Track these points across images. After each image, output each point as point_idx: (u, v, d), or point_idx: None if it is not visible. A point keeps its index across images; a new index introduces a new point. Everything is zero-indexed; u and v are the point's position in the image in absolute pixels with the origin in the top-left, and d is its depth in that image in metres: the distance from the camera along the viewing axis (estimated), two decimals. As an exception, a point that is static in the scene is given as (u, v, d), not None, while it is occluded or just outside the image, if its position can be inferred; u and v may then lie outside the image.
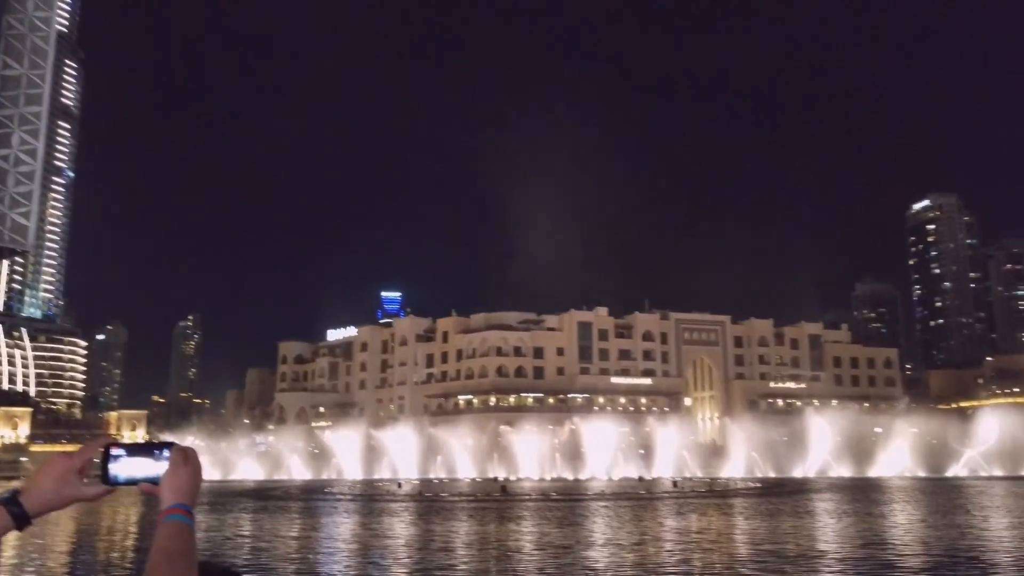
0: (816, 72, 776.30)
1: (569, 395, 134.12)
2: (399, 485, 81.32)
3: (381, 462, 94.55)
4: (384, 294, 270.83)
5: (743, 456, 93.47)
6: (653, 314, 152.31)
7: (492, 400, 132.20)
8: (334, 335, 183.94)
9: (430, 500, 68.24)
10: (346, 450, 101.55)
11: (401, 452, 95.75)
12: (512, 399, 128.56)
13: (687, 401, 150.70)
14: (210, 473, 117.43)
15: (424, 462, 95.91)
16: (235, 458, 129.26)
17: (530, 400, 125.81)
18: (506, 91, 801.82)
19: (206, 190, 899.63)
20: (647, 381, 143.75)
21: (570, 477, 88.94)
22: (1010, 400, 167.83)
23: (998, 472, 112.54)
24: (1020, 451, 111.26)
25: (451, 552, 35.09)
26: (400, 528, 47.45)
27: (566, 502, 64.92)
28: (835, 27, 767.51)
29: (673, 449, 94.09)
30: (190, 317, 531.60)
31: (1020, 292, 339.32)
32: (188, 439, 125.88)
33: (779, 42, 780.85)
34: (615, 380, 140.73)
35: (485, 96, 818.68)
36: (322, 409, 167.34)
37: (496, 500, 67.56)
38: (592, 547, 36.73)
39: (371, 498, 71.77)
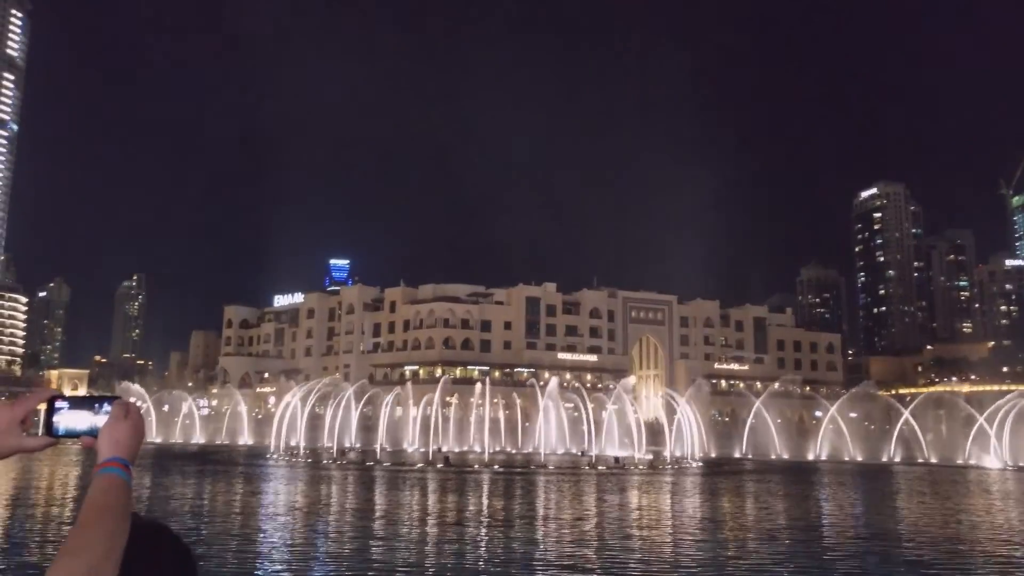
0: (768, 60, 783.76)
1: (515, 369, 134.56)
2: (342, 453, 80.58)
3: (324, 430, 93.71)
4: (332, 262, 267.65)
5: (686, 435, 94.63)
6: (601, 291, 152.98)
7: (438, 371, 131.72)
8: (281, 301, 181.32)
9: (372, 469, 67.70)
10: (290, 416, 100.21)
11: (345, 420, 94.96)
12: (459, 371, 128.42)
13: (632, 379, 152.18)
14: (152, 434, 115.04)
15: (368, 431, 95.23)
16: (178, 420, 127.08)
17: (476, 373, 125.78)
18: (460, 62, 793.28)
19: (154, 148, 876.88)
20: (593, 358, 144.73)
21: (514, 450, 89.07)
22: (947, 388, 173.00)
23: (933, 459, 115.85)
24: (954, 440, 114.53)
25: (388, 521, 34.63)
26: (341, 496, 46.91)
27: (509, 475, 64.99)
28: (788, 14, 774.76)
29: (617, 426, 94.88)
30: (134, 277, 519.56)
31: (961, 283, 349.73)
32: (130, 398, 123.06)
33: (733, 25, 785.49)
34: (561, 356, 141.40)
35: (438, 67, 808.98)
36: (267, 375, 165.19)
37: (439, 471, 67.33)
38: (531, 520, 36.63)
39: (313, 465, 70.99)
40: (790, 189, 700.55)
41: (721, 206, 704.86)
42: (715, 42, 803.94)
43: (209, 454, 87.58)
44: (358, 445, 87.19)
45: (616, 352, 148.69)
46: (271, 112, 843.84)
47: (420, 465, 72.73)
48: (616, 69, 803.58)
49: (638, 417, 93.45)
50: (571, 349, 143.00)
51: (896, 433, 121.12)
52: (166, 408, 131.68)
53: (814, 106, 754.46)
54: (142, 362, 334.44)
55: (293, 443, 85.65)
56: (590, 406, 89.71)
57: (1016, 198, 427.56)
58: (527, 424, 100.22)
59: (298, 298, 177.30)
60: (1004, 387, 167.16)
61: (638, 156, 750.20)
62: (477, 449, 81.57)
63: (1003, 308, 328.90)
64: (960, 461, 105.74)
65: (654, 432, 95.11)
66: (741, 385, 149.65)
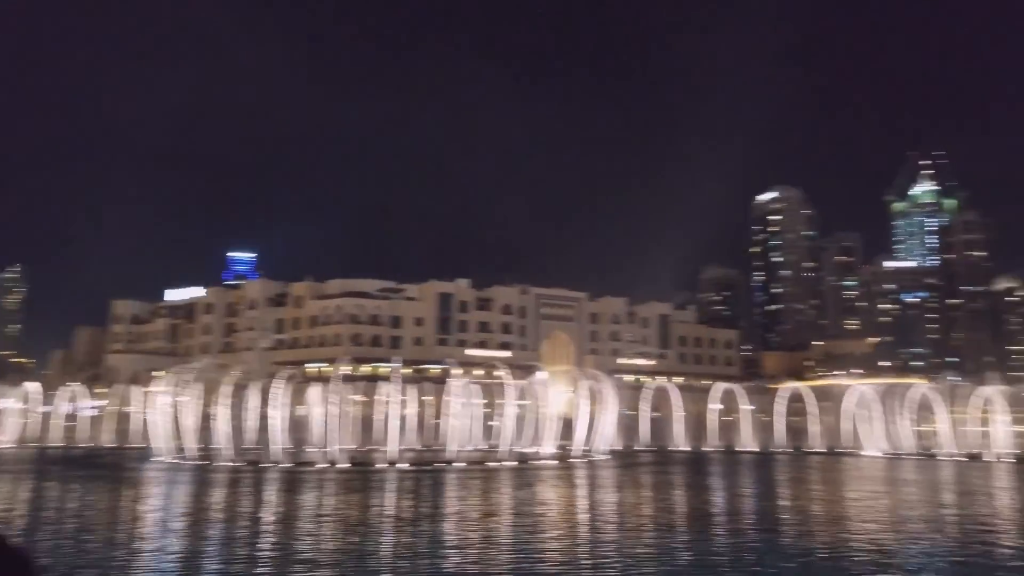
0: (676, 65, 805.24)
1: (426, 365, 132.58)
2: (240, 454, 77.02)
3: (221, 430, 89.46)
4: (233, 254, 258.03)
5: (595, 429, 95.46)
6: (514, 288, 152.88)
7: (346, 369, 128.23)
8: (174, 295, 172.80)
9: (275, 471, 65.12)
10: (183, 416, 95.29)
11: (244, 420, 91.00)
12: (367, 368, 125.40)
13: (542, 374, 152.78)
14: (26, 437, 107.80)
15: (268, 431, 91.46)
16: (58, 423, 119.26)
17: (385, 369, 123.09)
18: (377, 52, 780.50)
19: (36, 126, 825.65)
20: (504, 354, 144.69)
21: (425, 448, 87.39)
22: (833, 382, 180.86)
23: (821, 448, 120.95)
24: (840, 429, 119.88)
25: (292, 524, 32.80)
26: (242, 500, 44.42)
27: (416, 473, 63.53)
28: (699, 15, 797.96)
29: (527, 421, 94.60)
30: (16, 267, 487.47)
31: (848, 282, 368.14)
32: (8, 401, 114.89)
33: (642, 27, 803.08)
34: (472, 352, 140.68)
35: (352, 56, 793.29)
36: (159, 373, 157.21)
37: (343, 471, 65.36)
38: (438, 519, 35.54)
39: (205, 468, 67.69)
40: (695, 191, 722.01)
41: (630, 207, 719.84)
42: (629, 45, 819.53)
43: (95, 457, 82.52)
44: (257, 446, 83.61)
45: (527, 348, 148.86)
46: (167, 94, 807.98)
47: (323, 465, 70.39)
48: (513, 65, 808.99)
49: (548, 412, 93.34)
50: (482, 345, 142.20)
51: (786, 424, 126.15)
52: (47, 409, 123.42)
53: (718, 113, 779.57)
54: (23, 360, 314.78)
55: (188, 445, 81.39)
56: (500, 402, 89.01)
57: (898, 204, 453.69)
58: (437, 421, 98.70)
59: (195, 291, 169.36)
60: (885, 380, 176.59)
61: (554, 153, 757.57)
62: (386, 447, 79.47)
63: (884, 306, 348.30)
64: (842, 449, 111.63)
65: (564, 426, 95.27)
66: (645, 379, 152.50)
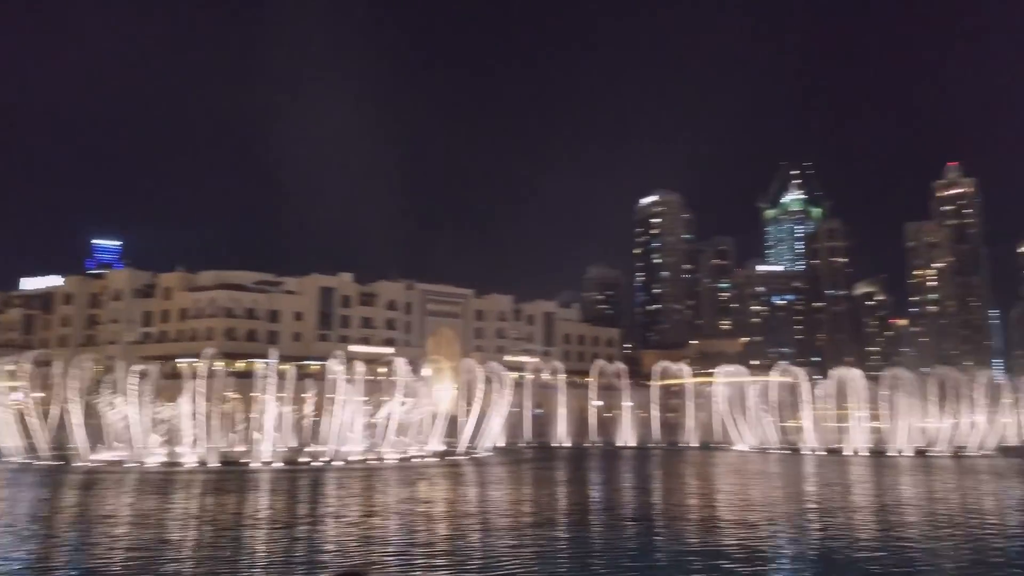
0: (565, 66, 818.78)
1: (305, 361, 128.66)
2: (102, 455, 72.35)
3: (82, 428, 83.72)
4: (97, 242, 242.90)
5: (480, 426, 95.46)
6: (399, 283, 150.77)
7: (219, 365, 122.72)
8: (30, 284, 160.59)
9: (138, 472, 61.50)
10: (40, 414, 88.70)
11: (107, 417, 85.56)
12: (242, 364, 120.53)
13: (426, 372, 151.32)
14: None
15: (134, 429, 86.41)
16: None
17: (260, 366, 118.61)
18: (261, 35, 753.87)
19: None
20: (388, 350, 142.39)
21: (302, 447, 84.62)
22: (706, 380, 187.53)
23: (694, 443, 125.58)
24: (713, 424, 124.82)
25: (156, 527, 30.69)
26: (103, 503, 41.38)
27: (292, 473, 61.44)
28: (588, 17, 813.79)
29: (411, 420, 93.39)
30: None
31: (723, 284, 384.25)
32: None
33: (533, 25, 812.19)
34: (354, 348, 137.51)
35: (239, 41, 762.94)
36: (10, 367, 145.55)
37: (215, 471, 62.58)
38: (315, 520, 34.28)
39: (63, 469, 63.25)
40: (583, 192, 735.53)
41: (519, 205, 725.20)
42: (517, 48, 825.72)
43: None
44: (120, 445, 78.70)
45: (412, 345, 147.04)
46: (27, 71, 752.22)
47: (192, 465, 67.15)
48: (409, 55, 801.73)
49: (432, 409, 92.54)
50: (365, 341, 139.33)
51: (662, 420, 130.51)
52: None
53: (606, 115, 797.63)
54: None
55: (40, 445, 75.77)
56: (383, 399, 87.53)
57: (769, 211, 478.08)
58: (317, 419, 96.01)
59: (53, 280, 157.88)
60: (755, 378, 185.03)
61: (443, 151, 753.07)
62: (262, 447, 76.41)
63: (755, 307, 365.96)
64: (714, 444, 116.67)
65: (449, 424, 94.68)
66: (529, 377, 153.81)
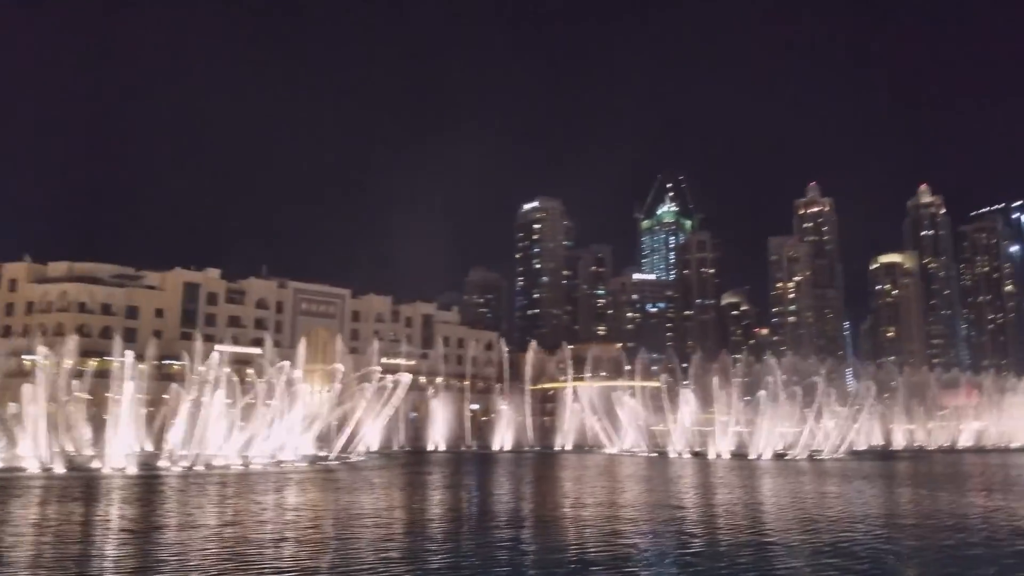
0: (453, 71, 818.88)
1: (167, 361, 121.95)
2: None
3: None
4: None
5: (356, 430, 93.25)
6: (270, 281, 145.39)
7: (69, 363, 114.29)
8: None
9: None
10: None
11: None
12: (95, 363, 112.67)
13: (298, 374, 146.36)
14: None
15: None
16: None
17: (116, 365, 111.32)
18: (129, 15, 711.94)
19: None
20: (257, 351, 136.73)
21: (162, 451, 79.84)
22: (581, 384, 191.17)
23: (568, 446, 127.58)
24: (586, 428, 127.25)
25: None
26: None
27: (146, 479, 57.77)
28: (467, 28, 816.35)
29: (281, 423, 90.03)
30: None
31: (600, 291, 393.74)
32: None
33: (423, 24, 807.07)
34: (222, 348, 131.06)
35: (93, 23, 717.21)
36: None
37: (63, 478, 58.06)
38: (163, 528, 32.06)
39: None
40: (466, 196, 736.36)
41: (401, 206, 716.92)
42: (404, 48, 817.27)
43: None
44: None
45: (283, 345, 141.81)
46: None
47: (35, 471, 62.06)
48: (304, 43, 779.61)
49: (305, 412, 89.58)
50: (233, 341, 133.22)
51: (538, 423, 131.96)
52: None
53: (491, 121, 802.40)
54: None
55: None
56: (250, 401, 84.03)
57: (645, 221, 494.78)
58: (176, 422, 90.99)
59: None
60: (628, 383, 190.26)
61: (324, 149, 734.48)
62: (114, 451, 71.50)
63: (630, 314, 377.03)
64: (587, 447, 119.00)
65: (322, 428, 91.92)
66: (406, 379, 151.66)
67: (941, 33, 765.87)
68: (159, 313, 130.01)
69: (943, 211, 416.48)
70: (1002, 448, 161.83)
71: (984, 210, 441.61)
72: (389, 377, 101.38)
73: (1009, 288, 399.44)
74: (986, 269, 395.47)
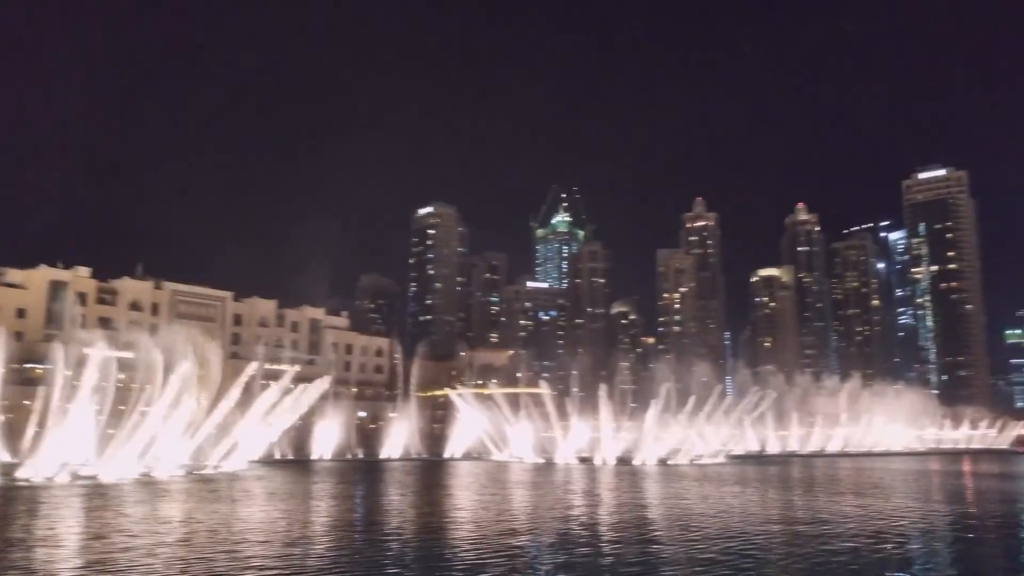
0: (350, 74, 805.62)
1: (29, 365, 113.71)
2: None
3: None
4: None
5: (235, 439, 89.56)
6: (146, 282, 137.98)
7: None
8: None
9: None
10: None
11: None
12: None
13: (175, 379, 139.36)
14: None
15: None
16: None
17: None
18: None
19: None
20: (129, 355, 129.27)
21: (23, 461, 74.29)
22: (473, 391, 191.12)
23: (457, 454, 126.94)
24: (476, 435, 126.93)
25: None
26: None
27: (7, 491, 53.49)
28: (369, 31, 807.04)
29: (158, 432, 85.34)
30: None
31: (493, 298, 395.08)
32: None
33: (314, 36, 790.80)
34: (91, 351, 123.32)
35: None
36: None
37: None
38: (19, 545, 29.50)
39: None
40: (360, 201, 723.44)
41: (293, 209, 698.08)
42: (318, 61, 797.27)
43: None
44: None
45: (159, 349, 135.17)
46: None
47: None
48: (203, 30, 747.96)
49: (182, 420, 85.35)
50: (104, 344, 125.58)
51: (427, 431, 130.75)
52: None
53: (387, 124, 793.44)
54: None
55: None
56: (121, 408, 79.48)
57: (540, 230, 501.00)
58: (39, 430, 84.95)
59: None
60: (520, 390, 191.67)
61: (211, 144, 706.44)
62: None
63: (522, 322, 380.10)
64: (476, 454, 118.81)
65: (202, 437, 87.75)
66: (294, 387, 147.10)
67: (820, 64, 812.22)
68: (21, 313, 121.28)
69: (818, 228, 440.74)
70: (867, 453, 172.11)
71: (855, 229, 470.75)
72: (273, 383, 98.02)
73: (875, 303, 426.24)
74: (855, 284, 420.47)
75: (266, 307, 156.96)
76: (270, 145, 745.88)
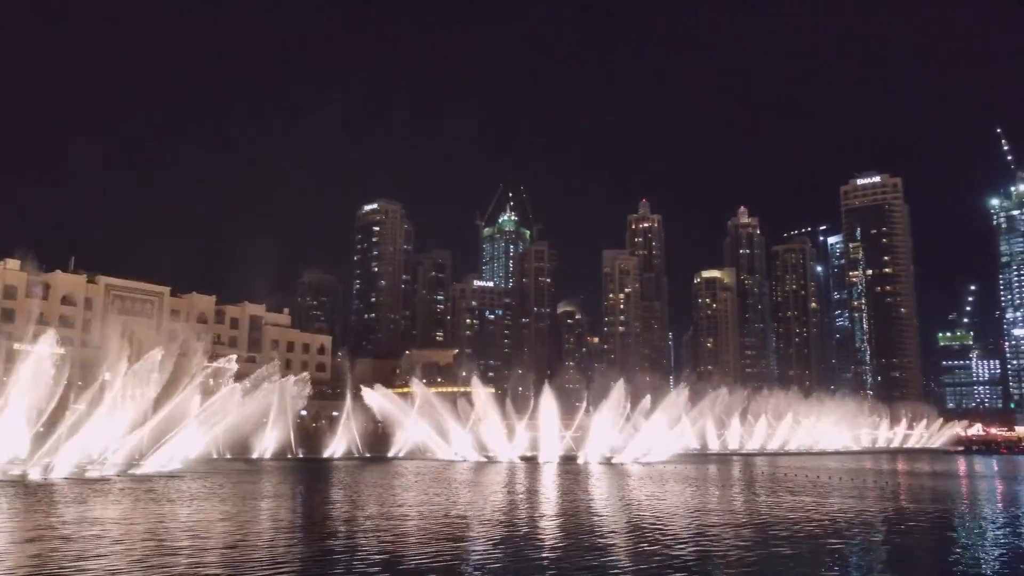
0: (296, 71, 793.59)
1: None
2: None
3: None
4: None
5: (173, 438, 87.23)
6: (79, 275, 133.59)
7: None
8: None
9: None
10: None
11: None
12: None
13: (108, 376, 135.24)
14: None
15: None
16: None
17: None
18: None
19: None
20: (61, 351, 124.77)
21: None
22: (415, 390, 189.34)
23: (401, 453, 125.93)
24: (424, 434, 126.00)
25: None
26: None
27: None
28: (317, 28, 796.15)
29: (91, 430, 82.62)
30: None
31: (439, 297, 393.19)
32: None
33: (261, 28, 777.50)
34: (20, 347, 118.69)
35: None
36: None
37: None
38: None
39: None
40: (303, 196, 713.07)
41: (234, 204, 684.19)
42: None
43: None
44: None
45: (91, 345, 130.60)
46: None
47: None
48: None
49: (115, 418, 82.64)
50: (35, 339, 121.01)
51: (371, 430, 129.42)
52: None
53: (333, 119, 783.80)
54: None
55: None
56: (52, 406, 76.64)
57: (486, 229, 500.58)
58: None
59: None
60: (464, 388, 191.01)
61: (145, 137, 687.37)
62: None
63: (468, 321, 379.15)
64: (419, 454, 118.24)
65: (138, 436, 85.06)
66: (232, 384, 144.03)
67: (763, 71, 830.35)
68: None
69: (758, 232, 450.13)
70: (805, 452, 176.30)
71: (795, 232, 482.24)
72: (212, 381, 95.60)
73: (814, 305, 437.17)
74: (794, 287, 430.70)
75: (205, 303, 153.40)
76: (212, 138, 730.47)
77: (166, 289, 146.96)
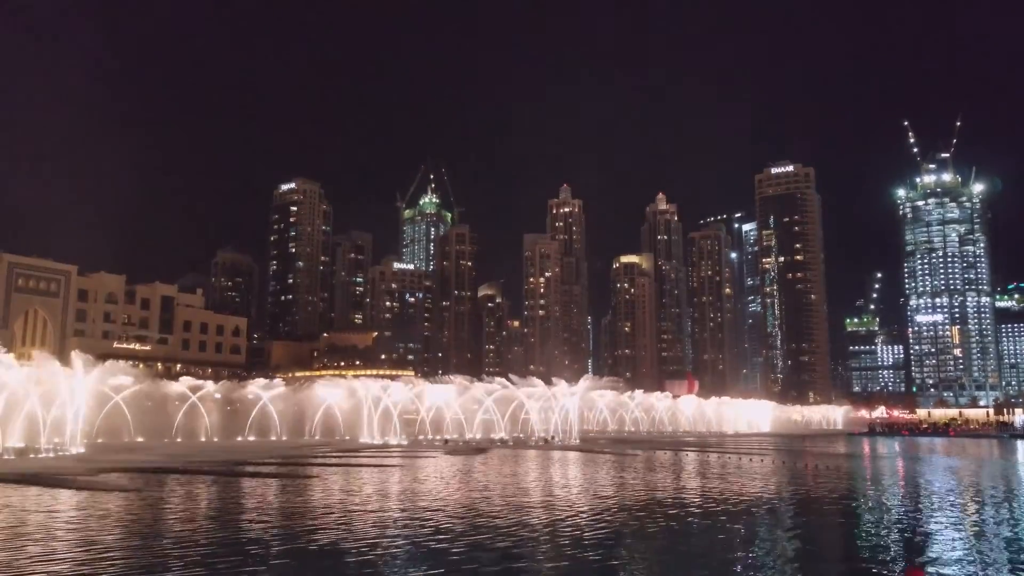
0: (217, 51, 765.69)
1: None
2: None
3: None
4: None
5: (73, 422, 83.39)
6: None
7: None
8: None
9: None
10: None
11: None
12: None
13: (10, 358, 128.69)
14: None
15: None
16: None
17: None
18: None
19: None
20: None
21: None
22: (335, 372, 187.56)
23: (320, 438, 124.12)
24: (346, 420, 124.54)
25: None
26: None
27: None
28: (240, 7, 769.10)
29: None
30: None
31: (358, 279, 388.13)
32: None
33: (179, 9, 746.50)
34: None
35: None
36: None
37: None
38: None
39: None
40: (217, 174, 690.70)
41: (146, 180, 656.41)
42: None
43: None
44: None
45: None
46: None
47: None
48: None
49: (21, 402, 78.76)
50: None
51: (288, 414, 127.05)
52: None
53: (254, 99, 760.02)
54: None
55: None
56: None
57: (407, 211, 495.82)
58: None
59: None
60: (383, 371, 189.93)
61: (53, 110, 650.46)
62: None
63: (388, 304, 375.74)
64: (337, 439, 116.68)
65: (34, 419, 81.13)
66: (142, 366, 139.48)
67: (682, 61, 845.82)
68: None
69: (676, 218, 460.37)
70: (718, 434, 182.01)
71: (711, 219, 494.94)
72: (120, 363, 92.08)
73: (728, 291, 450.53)
74: (710, 272, 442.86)
75: (114, 282, 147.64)
76: (124, 112, 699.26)
77: (73, 268, 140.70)
